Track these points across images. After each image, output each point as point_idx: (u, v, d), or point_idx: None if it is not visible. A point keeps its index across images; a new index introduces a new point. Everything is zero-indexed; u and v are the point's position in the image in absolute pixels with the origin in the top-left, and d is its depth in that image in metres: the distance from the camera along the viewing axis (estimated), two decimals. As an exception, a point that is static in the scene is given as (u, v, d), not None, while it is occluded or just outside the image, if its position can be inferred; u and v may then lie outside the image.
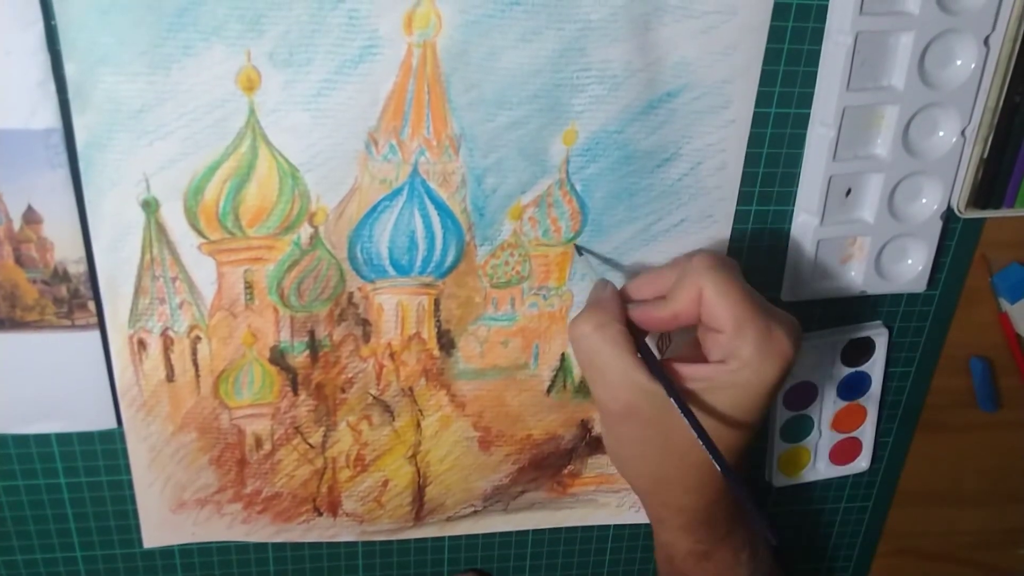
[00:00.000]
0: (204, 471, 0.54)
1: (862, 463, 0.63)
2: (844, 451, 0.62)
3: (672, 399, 0.43)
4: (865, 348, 0.59)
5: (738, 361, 0.44)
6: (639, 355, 0.45)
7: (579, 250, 0.52)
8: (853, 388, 0.60)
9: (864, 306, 0.58)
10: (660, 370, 0.45)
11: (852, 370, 0.59)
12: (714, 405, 0.45)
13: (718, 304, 0.44)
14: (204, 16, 0.43)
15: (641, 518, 0.62)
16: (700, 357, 0.47)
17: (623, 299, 0.48)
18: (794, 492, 0.64)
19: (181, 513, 0.56)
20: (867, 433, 0.62)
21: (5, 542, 0.56)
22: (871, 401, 0.61)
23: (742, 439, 0.46)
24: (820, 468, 0.62)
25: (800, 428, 0.61)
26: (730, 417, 0.45)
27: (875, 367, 0.59)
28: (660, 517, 0.50)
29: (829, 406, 0.60)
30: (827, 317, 0.58)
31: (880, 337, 0.58)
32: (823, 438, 0.61)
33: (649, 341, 0.50)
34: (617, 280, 0.51)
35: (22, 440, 0.53)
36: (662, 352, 0.55)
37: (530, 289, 0.53)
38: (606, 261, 0.52)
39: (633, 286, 0.49)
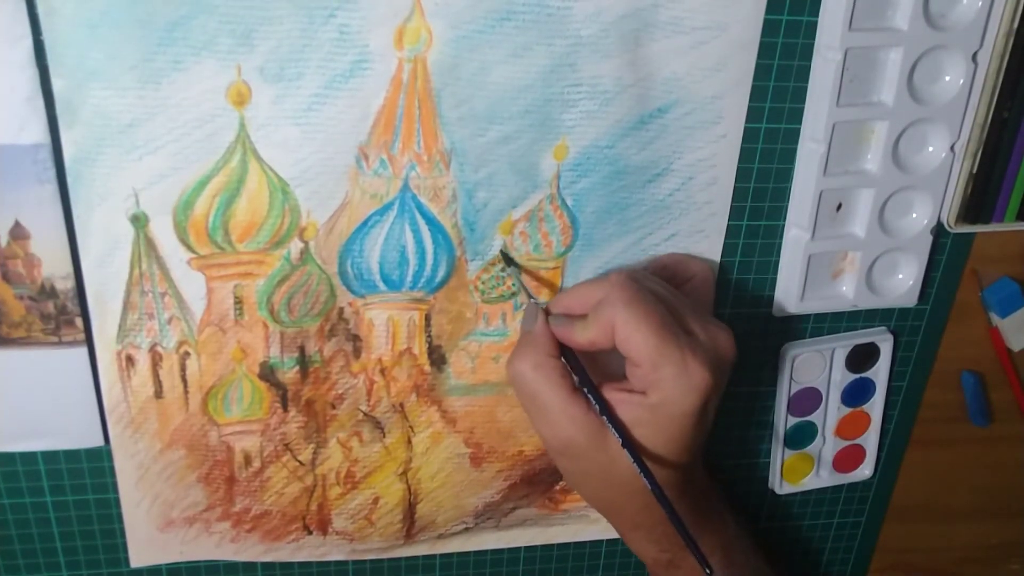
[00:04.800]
0: (192, 489, 0.54)
1: (865, 471, 0.63)
2: (848, 458, 0.62)
3: (609, 425, 0.45)
4: (870, 354, 0.59)
5: (657, 394, 0.45)
6: (576, 385, 0.46)
7: (508, 261, 0.51)
8: (857, 394, 0.60)
9: (855, 320, 0.58)
10: (598, 396, 0.46)
11: (857, 376, 0.59)
12: (641, 436, 0.46)
13: (630, 340, 0.44)
14: (195, 31, 0.43)
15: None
16: (621, 373, 0.48)
17: (548, 316, 0.48)
18: (787, 506, 0.64)
19: (169, 531, 0.55)
20: (871, 440, 0.62)
21: (-10, 562, 0.56)
22: (875, 408, 0.61)
23: (675, 467, 0.47)
24: (823, 475, 0.62)
25: (804, 435, 0.60)
26: (656, 447, 0.46)
27: (879, 373, 0.59)
28: (622, 531, 0.52)
29: (833, 412, 0.60)
30: (818, 331, 0.58)
31: (885, 343, 0.58)
32: (827, 445, 0.61)
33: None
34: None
35: (8, 458, 0.52)
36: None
37: (521, 304, 0.53)
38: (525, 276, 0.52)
39: (559, 300, 0.49)
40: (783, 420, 0.59)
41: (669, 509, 0.45)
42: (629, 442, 0.45)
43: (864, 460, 0.62)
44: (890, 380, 0.60)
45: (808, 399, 0.59)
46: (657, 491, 0.45)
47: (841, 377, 0.59)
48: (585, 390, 0.46)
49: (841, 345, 0.58)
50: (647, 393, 0.45)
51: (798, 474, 0.62)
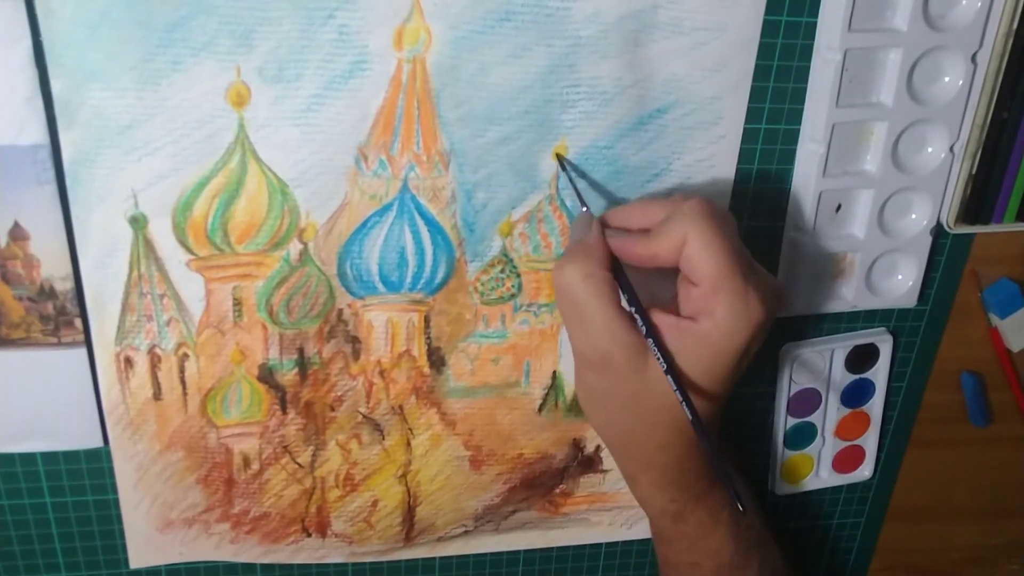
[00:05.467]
0: (191, 490, 0.54)
1: (865, 472, 0.63)
2: (847, 459, 0.62)
3: (653, 348, 0.43)
4: (869, 355, 0.59)
5: (709, 321, 0.43)
6: (623, 302, 0.44)
7: (562, 163, 0.49)
8: (856, 395, 0.60)
9: (854, 321, 0.58)
10: (646, 317, 0.44)
11: (856, 377, 0.59)
12: (683, 365, 0.44)
13: (699, 257, 0.43)
14: (194, 32, 0.43)
15: (634, 535, 0.61)
16: (672, 298, 0.46)
17: (604, 227, 0.46)
18: (787, 507, 0.64)
19: (168, 533, 0.55)
20: (870, 441, 0.62)
21: (-12, 564, 0.56)
22: (874, 409, 0.61)
23: (709, 401, 0.45)
24: (823, 476, 0.62)
25: (803, 435, 0.60)
26: (696, 377, 0.44)
27: (879, 374, 0.59)
28: (631, 473, 0.50)
29: (832, 413, 0.60)
30: (817, 332, 0.58)
31: (884, 344, 0.58)
32: (826, 446, 0.61)
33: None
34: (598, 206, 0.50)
35: (7, 459, 0.52)
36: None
37: (521, 306, 0.53)
38: (585, 180, 0.50)
39: (618, 213, 0.47)
40: (783, 421, 0.59)
41: (704, 437, 0.43)
42: (672, 368, 0.43)
43: (864, 461, 0.62)
44: (890, 381, 0.60)
45: (808, 400, 0.59)
46: (696, 421, 0.43)
47: (841, 378, 0.59)
48: (633, 309, 0.44)
49: (841, 346, 0.58)
50: (698, 319, 0.43)
51: (798, 475, 0.62)
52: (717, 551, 0.50)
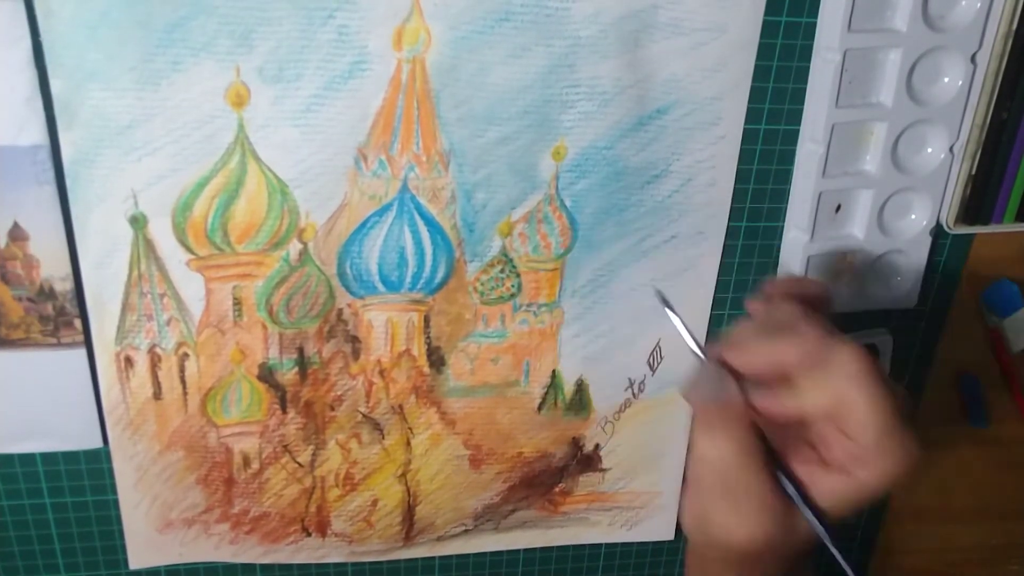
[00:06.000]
0: (191, 490, 0.54)
1: None
2: None
3: (807, 513, 0.39)
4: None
5: (867, 474, 0.39)
6: (775, 471, 0.40)
7: (664, 302, 0.44)
8: None
9: (854, 322, 0.58)
10: (795, 480, 0.40)
11: None
12: (828, 508, 0.40)
13: (861, 418, 0.38)
14: (194, 32, 0.43)
15: (633, 536, 0.61)
16: (800, 434, 0.41)
17: (733, 376, 0.41)
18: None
19: (168, 533, 0.55)
20: None
21: (-12, 564, 0.56)
22: None
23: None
24: None
25: None
26: (839, 516, 0.40)
27: None
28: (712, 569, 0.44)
29: None
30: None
31: (885, 345, 0.58)
32: None
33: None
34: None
35: (6, 459, 0.52)
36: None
37: (520, 306, 0.53)
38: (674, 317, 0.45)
39: (742, 355, 0.41)
40: None
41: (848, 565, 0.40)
42: (826, 528, 0.39)
43: None
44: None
45: None
46: (844, 560, 0.40)
47: None
48: (779, 473, 0.40)
49: None
50: (851, 471, 0.39)
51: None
52: None
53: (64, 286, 0.48)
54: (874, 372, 0.39)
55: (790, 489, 0.40)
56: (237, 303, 0.49)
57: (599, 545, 0.62)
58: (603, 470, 0.59)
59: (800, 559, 0.43)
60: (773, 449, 0.40)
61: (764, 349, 0.41)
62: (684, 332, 0.44)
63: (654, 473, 0.59)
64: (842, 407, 0.39)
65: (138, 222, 0.47)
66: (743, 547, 0.40)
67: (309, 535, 0.57)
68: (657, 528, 0.61)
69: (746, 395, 0.40)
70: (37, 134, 0.44)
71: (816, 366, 0.39)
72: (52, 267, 0.47)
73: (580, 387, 0.56)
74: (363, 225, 0.49)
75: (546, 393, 0.55)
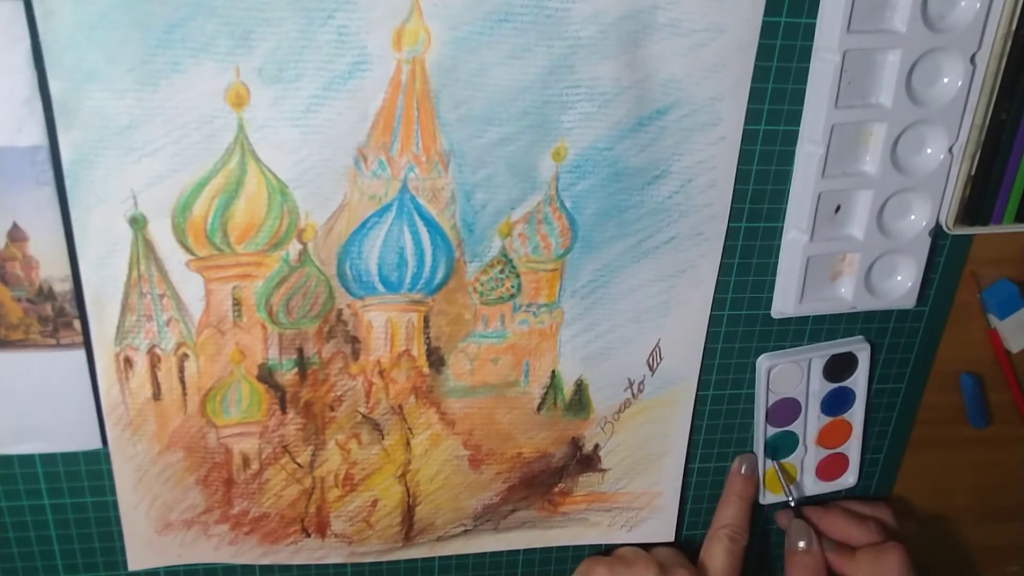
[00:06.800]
0: (191, 491, 0.54)
1: (849, 479, 0.63)
2: (831, 467, 0.62)
3: None
4: (848, 363, 0.59)
5: None
6: None
7: (771, 455, 0.60)
8: (837, 404, 0.60)
9: (854, 322, 0.58)
10: None
11: (835, 385, 0.59)
12: None
13: None
14: (193, 32, 0.43)
15: (633, 538, 0.61)
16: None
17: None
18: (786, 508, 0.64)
19: (167, 535, 0.55)
20: (853, 448, 0.62)
21: (-13, 565, 0.55)
22: (856, 417, 0.61)
23: None
24: (807, 484, 0.62)
25: (784, 445, 0.60)
26: None
27: (858, 382, 0.59)
28: None
29: (813, 422, 0.60)
30: (817, 332, 0.58)
31: (862, 352, 0.58)
32: (808, 454, 0.61)
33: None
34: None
35: (5, 461, 0.52)
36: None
37: (520, 306, 0.53)
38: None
39: (827, 523, 0.60)
40: (763, 430, 0.59)
41: None
42: None
43: (848, 468, 0.62)
44: (870, 388, 0.60)
45: (787, 409, 0.59)
46: None
47: (819, 387, 0.59)
48: None
49: (818, 355, 0.58)
50: None
51: (780, 484, 0.61)
52: None
53: (63, 287, 0.47)
54: (911, 571, 0.56)
55: None
56: (237, 303, 0.49)
57: (599, 546, 0.62)
58: (603, 470, 0.59)
59: None
60: None
61: (845, 523, 0.60)
62: (787, 487, 0.61)
63: (654, 474, 0.59)
64: None
65: (138, 223, 0.47)
66: None
67: (309, 536, 0.57)
68: (657, 529, 0.61)
69: (824, 550, 0.58)
70: (36, 135, 0.44)
71: (875, 549, 0.58)
72: (51, 268, 0.47)
73: (580, 387, 0.56)
74: (363, 225, 0.49)
75: (546, 393, 0.55)
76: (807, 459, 0.61)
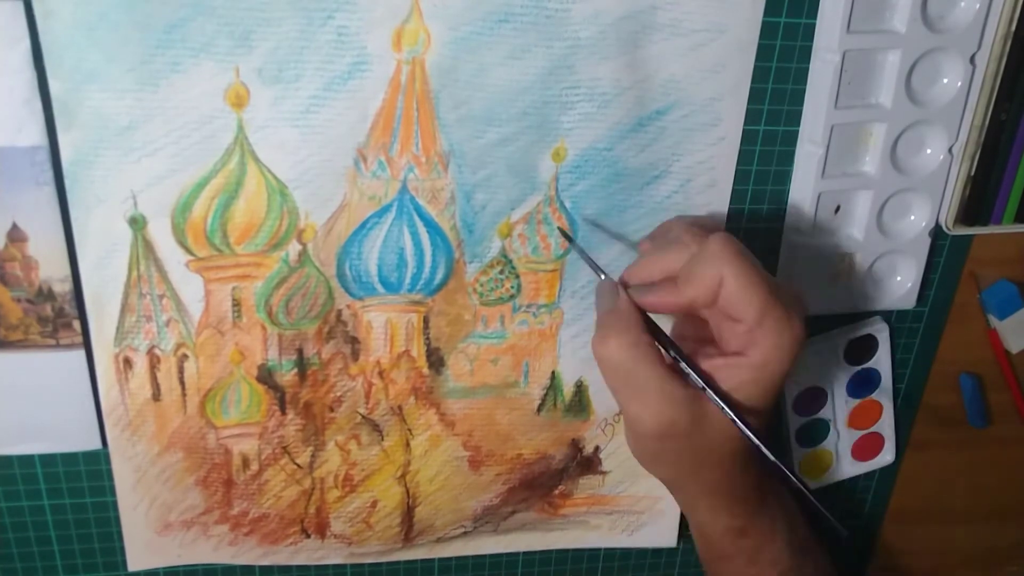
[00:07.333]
0: (190, 492, 0.54)
1: (887, 456, 0.63)
2: (866, 447, 0.62)
3: (714, 398, 0.44)
4: (868, 345, 0.59)
5: (759, 353, 0.44)
6: (671, 359, 0.45)
7: (568, 238, 0.50)
8: (863, 385, 0.60)
9: (854, 322, 0.58)
10: (698, 369, 0.45)
11: (859, 368, 0.59)
12: (737, 399, 0.45)
13: (741, 295, 0.43)
14: (193, 32, 0.43)
15: (634, 542, 0.61)
16: (703, 336, 0.47)
17: (627, 288, 0.47)
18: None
19: (167, 535, 0.55)
20: (886, 426, 0.62)
21: (-13, 566, 0.55)
22: (884, 395, 0.61)
23: (763, 419, 0.46)
24: (845, 467, 0.62)
25: (816, 431, 0.60)
26: (751, 406, 0.45)
27: (881, 362, 0.59)
28: (691, 503, 0.50)
29: (842, 406, 0.60)
30: (817, 331, 0.58)
31: (882, 333, 0.58)
32: (842, 438, 0.61)
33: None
34: (610, 261, 0.51)
35: (5, 461, 0.52)
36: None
37: (520, 307, 0.53)
38: (587, 258, 0.50)
39: (635, 271, 0.47)
40: (790, 421, 0.59)
41: (791, 474, 0.45)
42: (735, 411, 0.44)
43: (884, 446, 0.62)
44: (894, 366, 0.60)
45: (814, 397, 0.59)
46: (773, 460, 0.44)
47: (843, 372, 0.59)
48: (682, 363, 0.45)
49: (836, 342, 0.58)
50: (746, 353, 0.44)
51: (819, 469, 0.62)
52: (776, 559, 0.50)
53: (63, 287, 0.47)
54: (743, 253, 0.44)
55: (694, 378, 0.44)
56: (236, 304, 0.49)
57: (599, 548, 0.62)
58: (603, 472, 0.59)
59: (749, 469, 0.48)
60: (673, 343, 0.45)
61: (653, 259, 0.47)
62: (586, 258, 0.49)
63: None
64: (722, 291, 0.43)
65: (137, 223, 0.47)
66: (654, 433, 0.45)
67: (308, 537, 0.57)
68: (659, 534, 0.61)
69: (636, 300, 0.46)
70: (36, 135, 0.44)
71: (693, 259, 0.44)
72: (51, 268, 0.47)
73: (580, 388, 0.56)
74: (362, 226, 0.49)
75: (545, 394, 0.55)
76: (841, 443, 0.61)
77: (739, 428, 0.44)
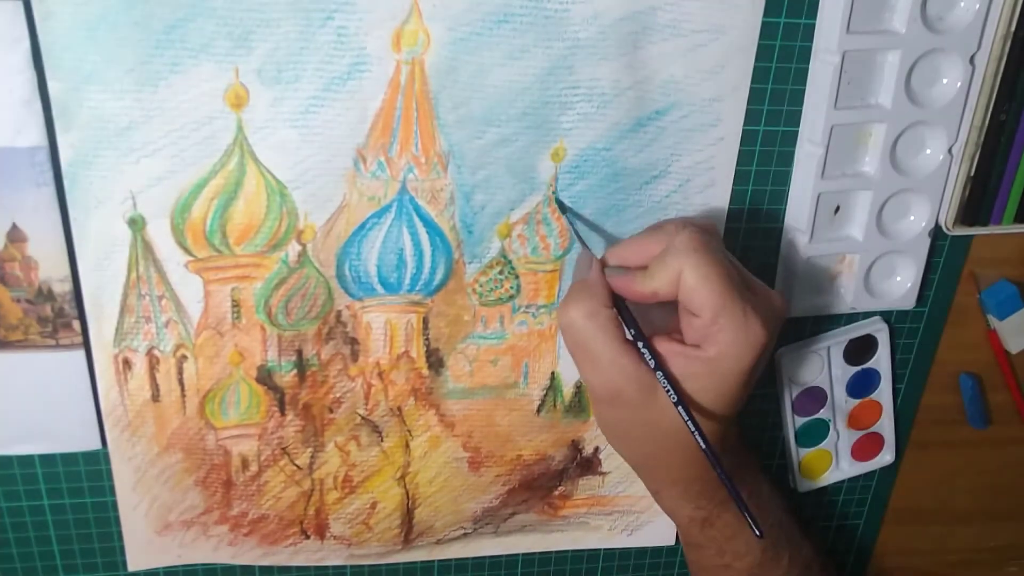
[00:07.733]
0: (190, 492, 0.54)
1: (886, 456, 0.63)
2: (865, 447, 0.62)
3: (661, 378, 0.45)
4: (867, 345, 0.59)
5: (713, 347, 0.45)
6: (630, 336, 0.46)
7: (562, 208, 0.50)
8: (862, 385, 0.60)
9: (855, 322, 0.58)
10: (652, 350, 0.46)
11: (858, 368, 0.59)
12: (692, 391, 0.45)
13: (696, 290, 0.44)
14: (192, 33, 0.43)
15: (634, 542, 0.61)
16: (672, 325, 0.48)
17: (604, 266, 0.48)
18: (786, 511, 0.64)
19: (166, 535, 0.55)
20: (886, 427, 0.62)
21: (-14, 566, 0.55)
22: (884, 395, 0.61)
23: (720, 422, 0.47)
24: (844, 467, 0.62)
25: (815, 432, 0.60)
26: (706, 402, 0.46)
27: (881, 362, 0.59)
28: (656, 488, 0.51)
29: (841, 406, 0.60)
30: (817, 331, 0.58)
31: (881, 333, 0.58)
32: (841, 438, 0.61)
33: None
34: (598, 246, 0.51)
35: (5, 461, 0.52)
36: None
37: (519, 307, 0.53)
38: (588, 229, 0.51)
39: (616, 251, 0.48)
40: (790, 421, 0.59)
41: (718, 466, 0.45)
42: (680, 396, 0.45)
43: (883, 446, 0.62)
44: (893, 366, 0.60)
45: (813, 398, 0.59)
46: (707, 448, 0.45)
47: (842, 372, 0.59)
48: (639, 343, 0.46)
49: (836, 342, 0.58)
50: (702, 346, 0.45)
51: (817, 470, 0.62)
52: (746, 551, 0.51)
53: (62, 288, 0.47)
54: (707, 250, 0.44)
55: (647, 357, 0.45)
56: (236, 305, 0.49)
57: (598, 549, 0.62)
58: (603, 473, 0.59)
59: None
60: (634, 322, 0.46)
61: (635, 244, 0.48)
62: (574, 229, 0.50)
63: (653, 475, 0.59)
64: (682, 285, 0.44)
65: (137, 224, 0.47)
66: (602, 398, 0.47)
67: (308, 537, 0.57)
68: (658, 534, 0.61)
69: (608, 278, 0.47)
70: (35, 136, 0.44)
71: (664, 252, 0.45)
72: (50, 269, 0.47)
73: (579, 389, 0.56)
74: (362, 227, 0.49)
75: (545, 395, 0.55)
76: (840, 443, 0.61)
77: (677, 409, 0.45)
